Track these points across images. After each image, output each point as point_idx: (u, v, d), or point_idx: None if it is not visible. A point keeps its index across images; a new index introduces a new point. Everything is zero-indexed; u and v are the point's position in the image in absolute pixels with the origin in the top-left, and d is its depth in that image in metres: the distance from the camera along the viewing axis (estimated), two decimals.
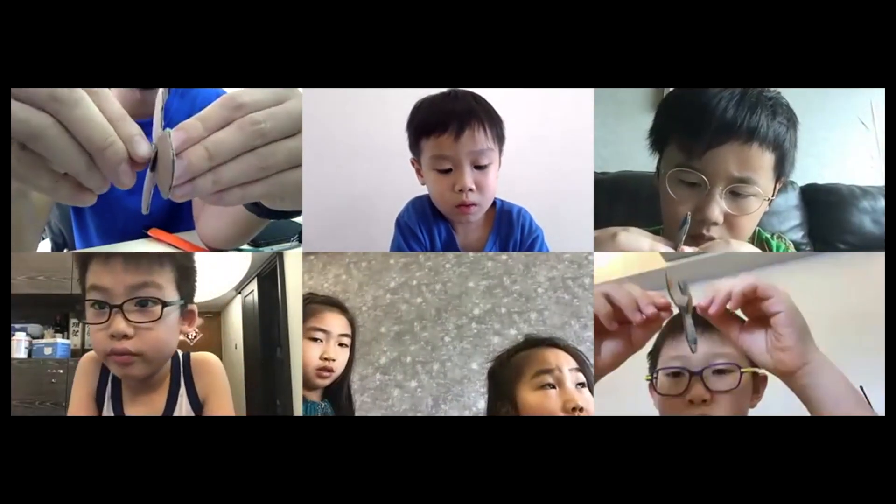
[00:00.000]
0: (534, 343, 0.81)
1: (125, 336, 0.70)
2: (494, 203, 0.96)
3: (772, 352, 0.61)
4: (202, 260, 0.83)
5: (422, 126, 0.89)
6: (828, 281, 1.13)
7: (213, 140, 0.52)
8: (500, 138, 0.91)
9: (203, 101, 1.33)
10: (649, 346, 0.70)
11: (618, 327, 0.64)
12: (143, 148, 0.50)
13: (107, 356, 0.72)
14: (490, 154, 0.88)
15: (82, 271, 0.74)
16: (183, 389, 0.77)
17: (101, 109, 0.49)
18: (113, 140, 0.49)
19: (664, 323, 0.65)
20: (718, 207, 0.79)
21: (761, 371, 0.70)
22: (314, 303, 0.94)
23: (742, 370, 0.69)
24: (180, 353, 0.79)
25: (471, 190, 0.87)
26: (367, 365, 1.76)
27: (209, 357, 0.81)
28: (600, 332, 0.66)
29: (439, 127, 0.87)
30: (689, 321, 0.64)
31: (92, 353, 0.77)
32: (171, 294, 0.74)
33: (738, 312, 0.64)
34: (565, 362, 0.77)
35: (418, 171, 0.93)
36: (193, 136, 0.51)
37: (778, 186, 0.85)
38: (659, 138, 0.86)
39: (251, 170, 0.54)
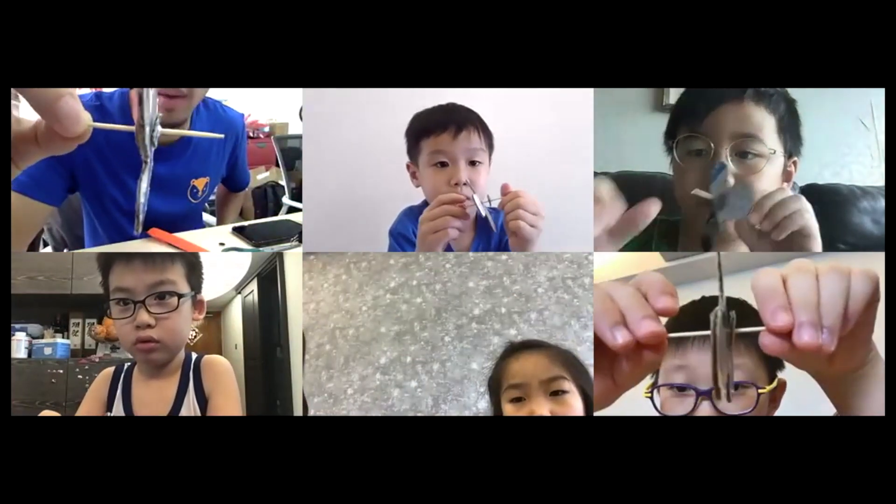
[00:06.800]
0: (514, 350, 0.81)
1: (149, 326, 0.80)
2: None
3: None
4: (205, 258, 0.91)
5: (423, 128, 0.97)
6: None
7: None
8: (490, 147, 0.98)
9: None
10: None
11: (623, 344, 0.45)
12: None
13: (133, 345, 0.82)
14: (482, 154, 0.95)
15: (105, 274, 0.83)
16: (191, 386, 0.85)
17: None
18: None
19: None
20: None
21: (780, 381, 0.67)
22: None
23: (759, 390, 0.63)
24: (194, 355, 0.87)
25: (465, 184, 0.93)
26: (367, 365, 1.76)
27: (217, 358, 0.89)
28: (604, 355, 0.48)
29: (439, 127, 0.95)
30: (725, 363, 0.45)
31: (109, 369, 0.87)
32: (183, 287, 0.84)
33: None
34: (541, 371, 0.77)
35: (413, 174, 0.99)
36: None
37: (791, 168, 0.89)
38: (671, 132, 0.93)
39: None
